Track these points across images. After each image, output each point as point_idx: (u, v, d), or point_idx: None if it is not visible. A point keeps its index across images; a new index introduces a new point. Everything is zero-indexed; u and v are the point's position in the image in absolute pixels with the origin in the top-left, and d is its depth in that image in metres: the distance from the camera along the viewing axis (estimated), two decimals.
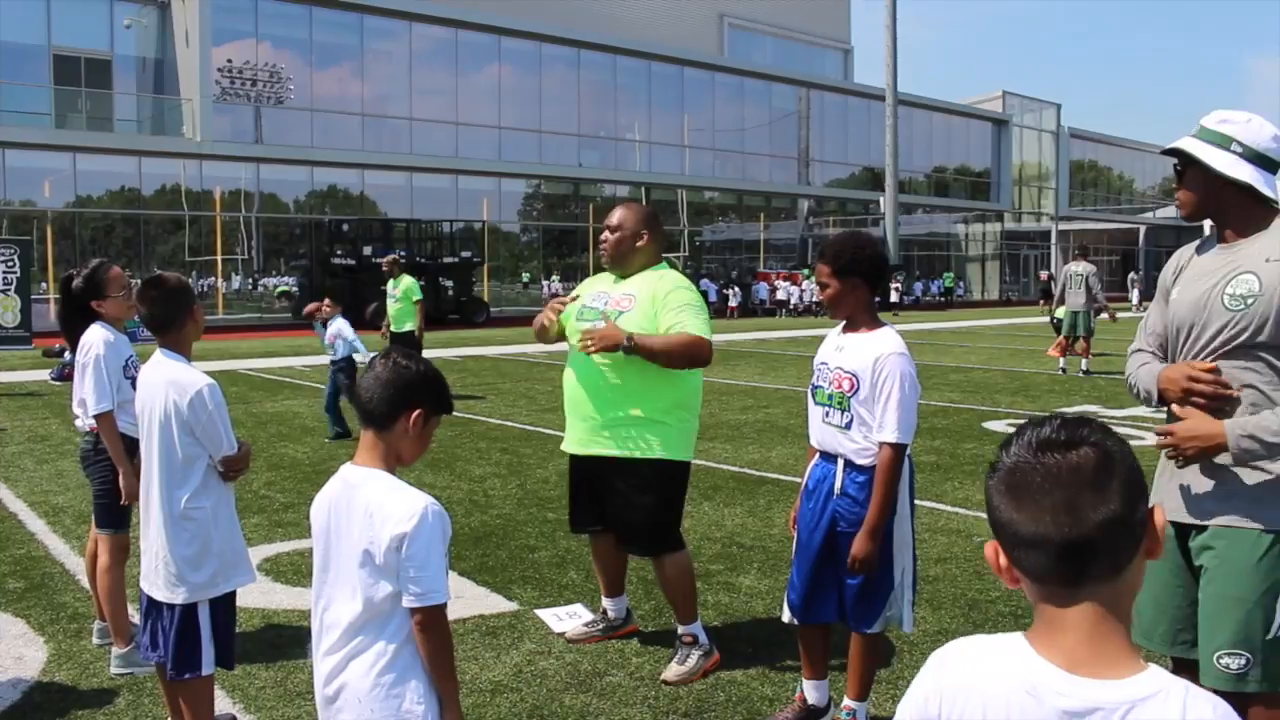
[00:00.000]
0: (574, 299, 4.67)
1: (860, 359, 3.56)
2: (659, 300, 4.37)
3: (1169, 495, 2.87)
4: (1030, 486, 1.27)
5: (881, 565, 3.57)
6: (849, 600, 3.66)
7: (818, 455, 3.77)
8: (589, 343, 4.21)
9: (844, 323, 3.72)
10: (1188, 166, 2.84)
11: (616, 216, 4.57)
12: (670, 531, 4.51)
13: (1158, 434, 2.82)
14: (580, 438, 4.51)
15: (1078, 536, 1.24)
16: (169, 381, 3.47)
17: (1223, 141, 2.78)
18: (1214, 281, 2.83)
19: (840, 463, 3.63)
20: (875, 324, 3.65)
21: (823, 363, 3.73)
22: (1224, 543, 2.74)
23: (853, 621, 3.68)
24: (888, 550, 3.59)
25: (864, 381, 3.54)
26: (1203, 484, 2.80)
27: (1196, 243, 3.03)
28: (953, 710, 1.34)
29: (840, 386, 3.60)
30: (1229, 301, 2.77)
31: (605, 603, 4.88)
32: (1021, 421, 1.39)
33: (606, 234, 4.56)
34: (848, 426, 3.59)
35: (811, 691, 3.88)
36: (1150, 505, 1.31)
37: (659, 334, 4.30)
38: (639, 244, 4.53)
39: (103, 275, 4.61)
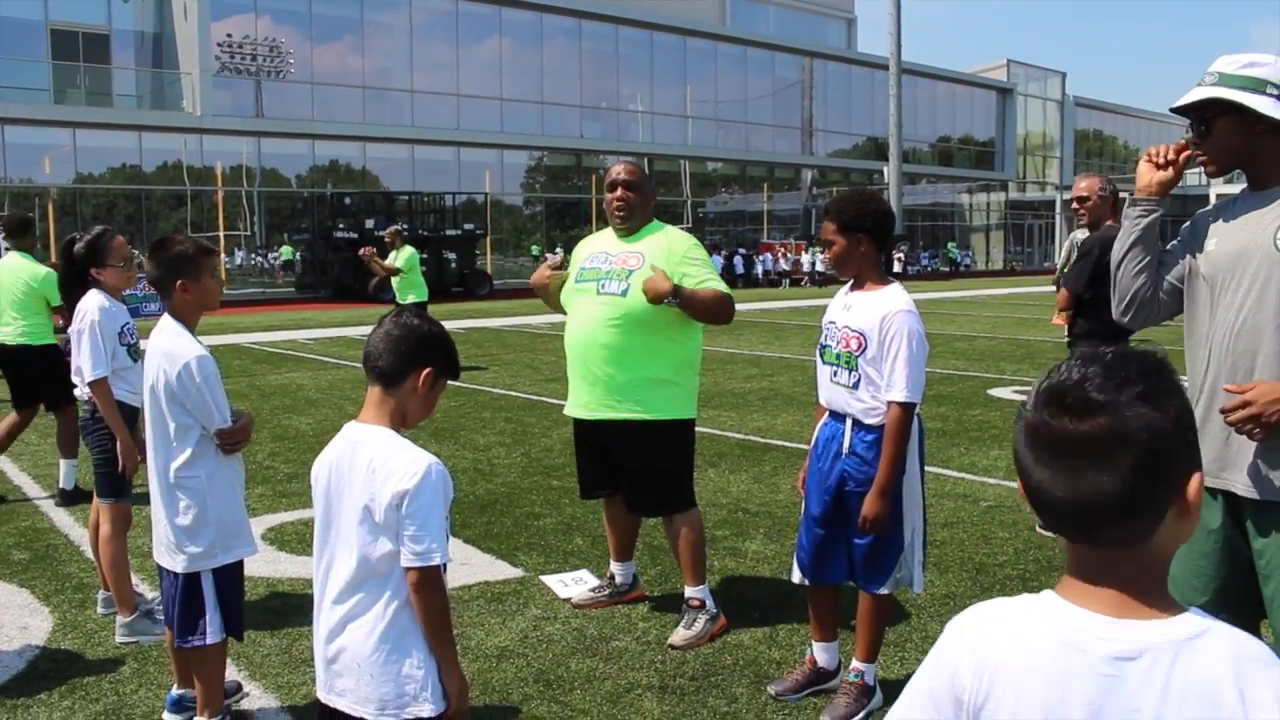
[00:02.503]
0: (558, 264, 4.64)
1: (868, 317, 3.50)
2: (675, 255, 4.33)
3: (1230, 464, 2.66)
4: (1042, 445, 1.20)
5: (892, 525, 3.53)
6: (858, 560, 3.62)
7: (826, 415, 3.73)
8: (642, 289, 4.17)
9: (851, 281, 3.67)
10: (1218, 118, 2.68)
11: (625, 173, 4.47)
12: (683, 489, 4.49)
13: (1225, 409, 2.58)
14: (586, 401, 4.45)
15: (1079, 508, 1.19)
16: (162, 352, 3.41)
17: (1257, 86, 2.62)
18: (1262, 227, 2.66)
19: (849, 422, 3.58)
20: (882, 281, 3.59)
21: (831, 321, 3.67)
22: None
23: (862, 582, 3.64)
24: (898, 510, 3.54)
25: (872, 340, 3.48)
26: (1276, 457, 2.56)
27: (1226, 201, 2.84)
28: (982, 680, 1.23)
29: (848, 345, 3.54)
30: None
31: (613, 567, 4.85)
32: (1032, 382, 1.31)
33: (621, 192, 4.43)
34: (856, 386, 3.53)
35: (821, 654, 3.85)
36: (1181, 477, 1.20)
37: (678, 278, 4.27)
38: (649, 201, 4.52)
39: (105, 243, 4.55)
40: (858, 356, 3.51)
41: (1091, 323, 5.55)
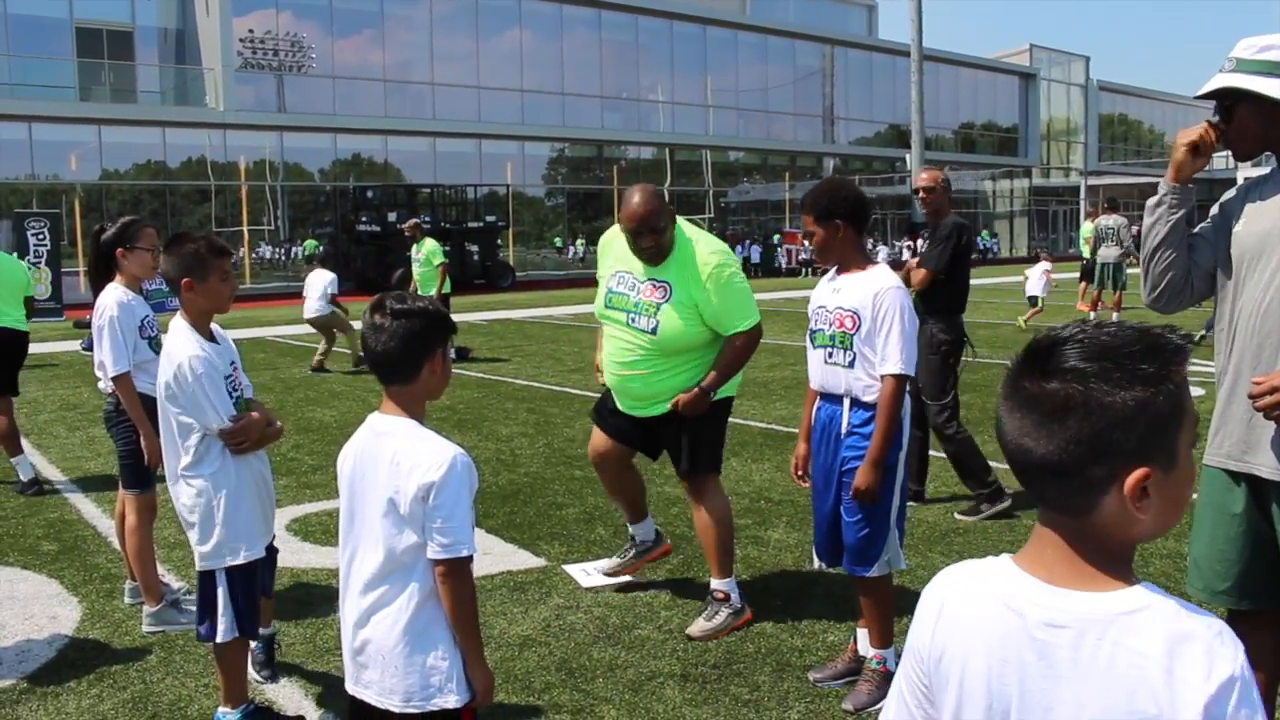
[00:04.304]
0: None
1: (859, 296, 3.57)
2: (700, 272, 4.21)
3: (1254, 447, 2.65)
4: (1009, 392, 1.24)
5: (881, 501, 3.57)
6: (848, 542, 3.65)
7: (819, 399, 3.77)
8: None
9: (836, 266, 3.73)
10: (1238, 104, 2.68)
11: (646, 216, 4.17)
12: (715, 452, 4.48)
13: (1252, 394, 2.58)
14: (630, 406, 4.51)
15: (1022, 461, 1.22)
16: (165, 351, 3.47)
17: (1273, 69, 2.62)
18: None
19: (846, 402, 3.64)
20: (867, 263, 3.67)
21: (820, 306, 3.73)
22: None
23: (849, 564, 3.67)
24: (889, 485, 3.59)
25: (865, 317, 3.55)
26: None
27: (1254, 182, 2.82)
28: (937, 636, 1.30)
29: (842, 325, 3.60)
30: None
31: (631, 529, 4.87)
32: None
33: (648, 240, 4.22)
34: (852, 365, 3.60)
35: (862, 640, 3.85)
36: (1122, 466, 1.16)
37: (706, 307, 4.24)
38: (670, 226, 4.30)
39: (136, 229, 4.64)
40: (853, 335, 3.58)
41: (930, 302, 5.91)
